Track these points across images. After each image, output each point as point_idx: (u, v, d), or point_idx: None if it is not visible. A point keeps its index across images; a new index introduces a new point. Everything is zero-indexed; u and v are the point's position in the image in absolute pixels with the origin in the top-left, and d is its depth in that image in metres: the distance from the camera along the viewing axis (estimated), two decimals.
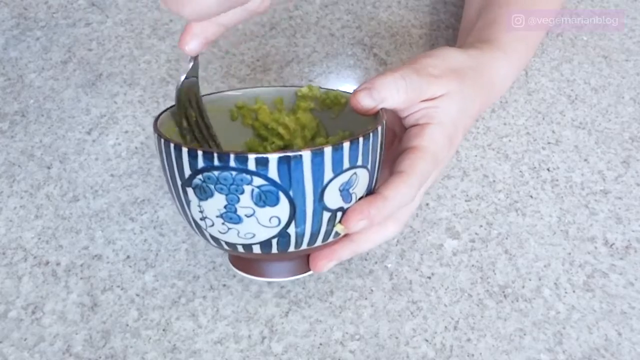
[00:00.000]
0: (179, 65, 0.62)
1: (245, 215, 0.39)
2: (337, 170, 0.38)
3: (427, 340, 0.44)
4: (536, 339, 0.44)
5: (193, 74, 0.44)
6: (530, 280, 0.47)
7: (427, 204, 0.51)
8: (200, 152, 0.37)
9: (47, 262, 0.48)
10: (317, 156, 0.37)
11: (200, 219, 0.40)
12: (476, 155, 0.55)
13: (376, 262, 0.48)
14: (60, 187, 0.52)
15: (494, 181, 0.53)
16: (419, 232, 0.50)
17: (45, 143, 0.55)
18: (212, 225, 0.40)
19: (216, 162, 0.37)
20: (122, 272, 0.47)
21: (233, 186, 0.37)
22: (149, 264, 0.48)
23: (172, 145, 0.38)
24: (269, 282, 0.47)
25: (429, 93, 0.44)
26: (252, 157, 0.36)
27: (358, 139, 0.38)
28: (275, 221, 0.39)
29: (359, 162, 0.39)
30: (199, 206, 0.40)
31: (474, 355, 0.43)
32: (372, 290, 0.46)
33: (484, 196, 0.52)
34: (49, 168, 0.54)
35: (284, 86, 0.49)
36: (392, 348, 0.43)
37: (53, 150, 0.55)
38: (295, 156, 0.36)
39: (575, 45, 0.64)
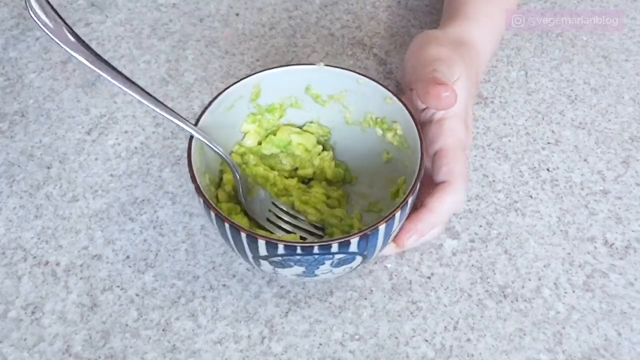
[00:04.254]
0: (178, 65, 0.62)
1: (322, 273, 0.41)
2: (402, 218, 0.41)
3: (426, 340, 0.44)
4: (536, 339, 0.44)
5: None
6: (530, 280, 0.47)
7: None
8: (281, 245, 0.38)
9: (47, 262, 0.48)
10: (390, 222, 0.39)
11: (272, 272, 0.42)
12: (476, 155, 0.55)
13: (376, 262, 0.48)
14: (60, 187, 0.52)
15: (493, 181, 0.53)
16: None
17: (45, 143, 0.55)
18: (284, 276, 0.43)
19: (299, 251, 0.38)
20: (122, 272, 0.47)
21: (314, 263, 0.39)
22: (149, 264, 0.48)
23: (243, 234, 0.38)
24: (269, 282, 0.47)
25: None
26: (335, 244, 0.38)
27: (416, 185, 0.40)
28: (348, 269, 0.42)
29: (415, 198, 0.42)
30: (274, 270, 0.41)
31: (473, 355, 0.43)
32: (371, 290, 0.46)
33: (484, 196, 0.52)
34: (48, 168, 0.54)
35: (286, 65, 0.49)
36: (392, 348, 0.43)
37: (53, 150, 0.55)
38: (373, 231, 0.38)
39: (575, 45, 0.64)
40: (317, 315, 0.45)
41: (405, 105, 0.45)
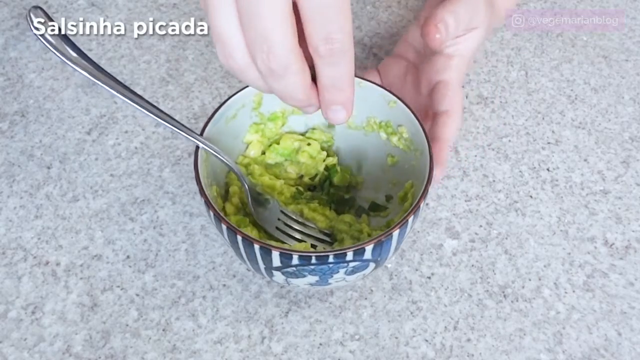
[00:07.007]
0: (178, 65, 0.62)
1: (335, 282, 0.41)
2: (414, 222, 0.41)
3: (427, 340, 0.44)
4: (536, 339, 0.44)
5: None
6: (530, 280, 0.47)
7: (427, 204, 0.51)
8: (295, 256, 0.37)
9: (47, 262, 0.48)
10: (404, 227, 0.39)
11: (284, 282, 0.42)
12: (476, 155, 0.55)
13: None
14: (60, 187, 0.52)
15: (493, 181, 0.53)
16: (418, 232, 0.50)
17: (45, 143, 0.55)
18: (297, 285, 0.42)
19: (314, 261, 0.38)
20: (122, 272, 0.47)
21: (328, 272, 0.39)
22: (149, 264, 0.48)
23: (257, 246, 0.38)
24: (269, 282, 0.47)
25: (470, 27, 0.50)
26: (350, 252, 0.38)
27: (427, 189, 0.40)
28: (360, 277, 0.42)
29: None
30: (286, 281, 0.41)
31: (473, 355, 0.43)
32: (372, 290, 0.46)
33: (484, 196, 0.52)
34: (48, 168, 0.54)
35: None
36: (392, 348, 0.43)
37: (53, 150, 0.55)
38: (387, 237, 0.38)
39: (575, 45, 0.64)
40: (317, 315, 0.45)
41: (409, 108, 0.45)
